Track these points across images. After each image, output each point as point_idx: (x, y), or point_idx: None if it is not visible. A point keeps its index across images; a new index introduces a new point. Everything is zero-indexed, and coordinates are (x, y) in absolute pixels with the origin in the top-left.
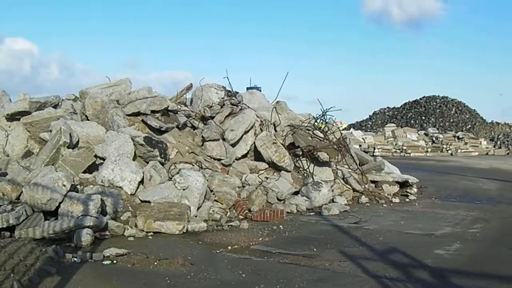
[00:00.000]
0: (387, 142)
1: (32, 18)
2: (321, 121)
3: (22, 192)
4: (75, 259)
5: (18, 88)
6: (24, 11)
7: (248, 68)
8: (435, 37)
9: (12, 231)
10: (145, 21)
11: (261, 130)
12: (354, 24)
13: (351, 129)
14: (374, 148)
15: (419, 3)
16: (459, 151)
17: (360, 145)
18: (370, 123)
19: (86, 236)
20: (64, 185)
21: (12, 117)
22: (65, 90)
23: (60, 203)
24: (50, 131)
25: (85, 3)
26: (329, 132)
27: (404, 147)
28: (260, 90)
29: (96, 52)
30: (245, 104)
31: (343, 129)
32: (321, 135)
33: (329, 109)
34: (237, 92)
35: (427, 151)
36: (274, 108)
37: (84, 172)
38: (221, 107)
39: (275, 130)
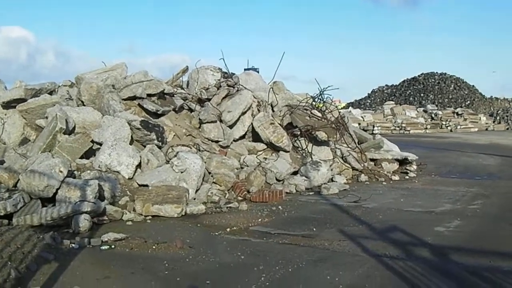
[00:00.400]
0: (386, 120)
1: (27, 5)
2: (319, 100)
3: (19, 179)
4: (73, 245)
5: (15, 76)
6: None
7: (246, 50)
8: (432, 12)
9: (10, 218)
10: (140, 4)
11: (259, 111)
12: (351, 1)
13: (350, 108)
14: (373, 126)
15: None
16: (458, 127)
17: (359, 124)
18: (369, 101)
19: (84, 222)
20: (61, 171)
21: (8, 105)
22: (62, 76)
23: (57, 189)
24: (46, 117)
25: None
26: (327, 111)
27: (403, 125)
28: (258, 72)
29: (92, 38)
30: (241, 85)
31: (341, 108)
32: (319, 114)
33: (326, 88)
34: (234, 74)
35: (426, 128)
36: (271, 89)
37: (81, 157)
38: (218, 89)
39: (273, 111)
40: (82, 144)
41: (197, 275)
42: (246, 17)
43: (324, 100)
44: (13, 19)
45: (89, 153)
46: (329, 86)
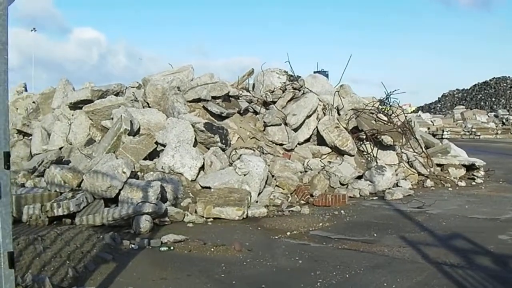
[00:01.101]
0: (456, 124)
1: (98, 7)
2: (385, 104)
3: (83, 179)
4: (133, 245)
5: (87, 77)
6: (90, 0)
7: (317, 54)
8: (505, 14)
9: (73, 218)
10: (212, 7)
11: (324, 114)
12: (422, 4)
13: (419, 112)
14: (443, 131)
15: None
16: None
17: (428, 128)
18: (439, 105)
19: (145, 223)
20: (124, 172)
21: (75, 106)
22: (133, 78)
23: (120, 190)
24: (112, 118)
25: None
26: (393, 115)
27: (473, 129)
28: (328, 75)
29: (164, 40)
30: (307, 88)
31: (411, 112)
32: (385, 118)
33: (393, 92)
34: (299, 77)
35: (497, 133)
36: (336, 92)
37: (145, 159)
38: (283, 91)
39: (339, 114)
40: (146, 146)
41: (253, 279)
42: (318, 22)
43: (391, 103)
44: (85, 20)
45: (153, 155)
46: (395, 90)
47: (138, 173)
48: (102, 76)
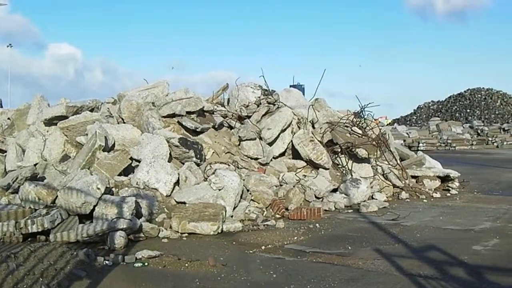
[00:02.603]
0: (432, 136)
1: (74, 23)
2: (360, 117)
3: (57, 196)
4: (107, 262)
5: (63, 93)
6: (66, 16)
7: (293, 67)
8: (478, 28)
9: (48, 235)
10: (188, 23)
11: (299, 128)
12: (398, 17)
13: (395, 124)
14: (419, 143)
15: None
16: (505, 143)
17: (404, 140)
18: (415, 117)
19: (119, 239)
20: (99, 188)
21: (50, 122)
22: (110, 93)
23: (94, 206)
24: (86, 134)
25: (127, 8)
26: (368, 128)
27: (449, 141)
28: (304, 88)
29: (140, 55)
30: (281, 103)
31: (387, 124)
32: (360, 131)
33: (367, 105)
34: (274, 91)
35: (472, 144)
36: (312, 106)
37: (120, 174)
38: (258, 106)
39: (313, 128)
40: (121, 161)
41: None
42: (293, 35)
43: (365, 117)
44: (61, 36)
45: (128, 170)
46: (370, 103)
47: (113, 189)
48: (79, 92)
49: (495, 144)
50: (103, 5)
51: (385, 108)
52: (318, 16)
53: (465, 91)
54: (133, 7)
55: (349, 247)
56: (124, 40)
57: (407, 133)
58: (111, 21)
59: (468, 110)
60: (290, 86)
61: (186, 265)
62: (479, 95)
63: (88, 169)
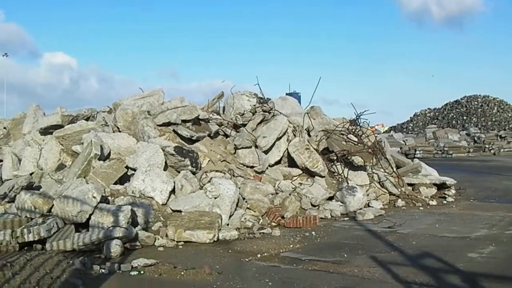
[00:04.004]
0: (429, 143)
1: (69, 32)
2: (356, 124)
3: (53, 205)
4: (103, 270)
5: (59, 102)
6: (61, 25)
7: (290, 75)
8: (475, 35)
9: (44, 243)
10: (185, 32)
11: (294, 136)
12: (394, 24)
13: (392, 132)
14: (415, 150)
15: (459, 0)
16: (502, 150)
17: (401, 148)
18: (411, 125)
19: (115, 247)
20: (94, 197)
21: (46, 131)
22: (106, 102)
23: (90, 215)
24: (82, 143)
25: (122, 17)
26: (363, 136)
27: (446, 148)
28: (300, 96)
29: (136, 64)
30: (277, 111)
31: (384, 132)
32: (355, 139)
33: (363, 112)
34: (269, 99)
35: (469, 151)
36: (307, 114)
37: (116, 183)
38: (253, 114)
39: (309, 136)
40: (116, 170)
41: None
42: (290, 45)
43: (361, 124)
44: (56, 45)
45: (124, 179)
46: (366, 111)
47: (109, 198)
48: (75, 101)
49: (492, 151)
50: (98, 15)
51: (382, 115)
52: (314, 27)
53: (461, 98)
54: (128, 17)
55: (345, 255)
56: (119, 49)
57: (403, 141)
58: (107, 30)
59: (465, 118)
60: (286, 94)
61: (182, 273)
62: (476, 102)
63: (84, 178)
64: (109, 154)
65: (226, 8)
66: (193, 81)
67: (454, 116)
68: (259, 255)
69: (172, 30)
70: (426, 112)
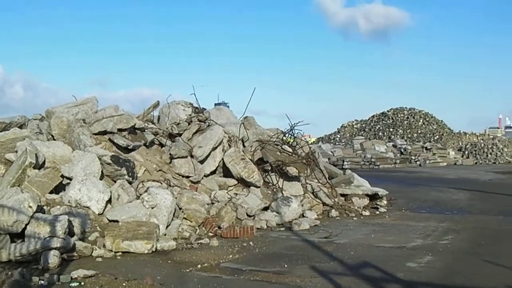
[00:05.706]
0: (356, 154)
1: None
2: (290, 135)
3: None
4: (42, 282)
5: None
6: None
7: (217, 84)
8: (401, 49)
9: None
10: (111, 40)
11: (230, 146)
12: (321, 36)
13: (320, 143)
14: (343, 161)
15: (385, 14)
16: (427, 161)
17: (329, 158)
18: (339, 136)
19: (53, 258)
20: (30, 206)
21: None
22: (32, 109)
23: (26, 224)
24: (16, 151)
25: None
26: (297, 146)
27: (373, 159)
28: (228, 106)
29: (63, 72)
30: (212, 121)
31: (311, 143)
32: (290, 149)
33: (297, 123)
34: (205, 109)
35: (395, 163)
36: (242, 124)
37: (51, 192)
38: (189, 124)
39: (244, 146)
40: (52, 179)
41: None
42: (216, 53)
43: (295, 135)
44: None
45: (59, 188)
46: (300, 121)
47: (45, 207)
48: (0, 108)
49: (417, 162)
50: (24, 22)
51: (309, 127)
52: (241, 35)
53: (388, 111)
54: (55, 23)
55: (285, 265)
56: (46, 57)
57: (331, 152)
58: (33, 37)
59: (391, 129)
60: (215, 104)
61: (124, 284)
62: (402, 114)
63: (19, 186)
64: (44, 162)
65: (149, 9)
66: (120, 89)
67: (381, 127)
68: (199, 266)
69: (97, 34)
70: (353, 123)
